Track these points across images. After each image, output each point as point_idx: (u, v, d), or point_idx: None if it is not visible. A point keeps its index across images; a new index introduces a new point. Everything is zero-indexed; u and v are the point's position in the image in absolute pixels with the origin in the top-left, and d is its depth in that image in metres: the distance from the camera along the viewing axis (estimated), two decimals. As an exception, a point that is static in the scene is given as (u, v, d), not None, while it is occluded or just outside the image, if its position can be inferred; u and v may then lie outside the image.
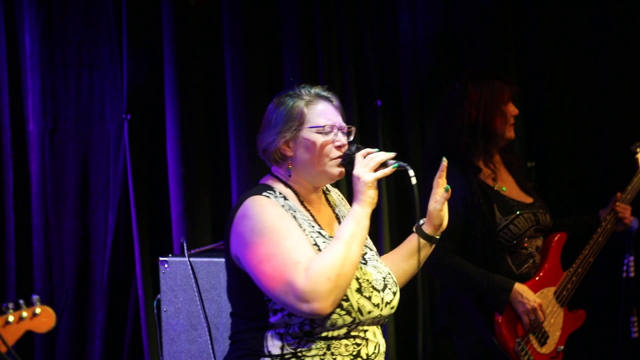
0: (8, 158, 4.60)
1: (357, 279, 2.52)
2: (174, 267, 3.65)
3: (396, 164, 2.55)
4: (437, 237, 2.72)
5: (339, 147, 2.61)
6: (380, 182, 4.13)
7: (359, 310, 2.50)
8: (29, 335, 2.41)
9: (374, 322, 2.57)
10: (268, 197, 2.56)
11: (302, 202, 2.65)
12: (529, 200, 3.53)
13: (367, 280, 2.55)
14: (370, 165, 2.55)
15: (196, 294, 3.60)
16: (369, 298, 2.53)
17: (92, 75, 4.62)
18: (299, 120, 2.61)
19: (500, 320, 3.35)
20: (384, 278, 2.61)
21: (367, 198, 2.53)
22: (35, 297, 2.35)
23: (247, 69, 4.44)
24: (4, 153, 4.61)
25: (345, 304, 2.48)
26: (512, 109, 3.48)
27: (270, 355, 2.52)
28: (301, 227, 2.54)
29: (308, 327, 2.48)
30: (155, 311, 3.73)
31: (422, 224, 2.74)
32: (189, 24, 4.48)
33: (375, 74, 4.30)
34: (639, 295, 3.67)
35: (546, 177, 4.13)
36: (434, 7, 4.25)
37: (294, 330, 2.49)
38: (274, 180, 2.67)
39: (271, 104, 2.70)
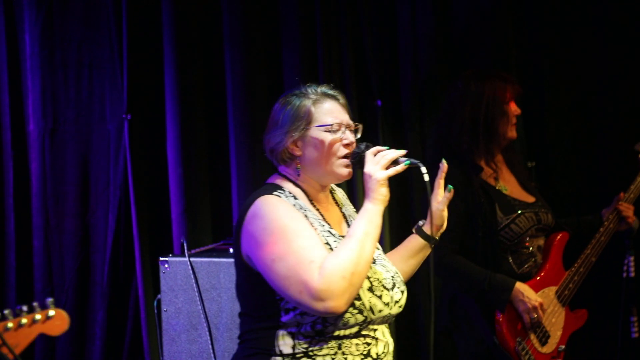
0: (8, 158, 4.61)
1: (368, 277, 2.52)
2: (174, 267, 3.66)
3: (408, 162, 2.56)
4: (437, 237, 2.72)
5: (347, 145, 2.62)
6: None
7: (371, 309, 2.51)
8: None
9: (384, 321, 2.58)
10: (279, 196, 2.56)
11: (311, 201, 2.65)
12: (530, 199, 3.53)
13: (377, 279, 2.55)
14: (382, 163, 2.55)
15: (196, 294, 3.60)
16: (380, 297, 2.54)
17: (92, 76, 4.62)
18: (307, 119, 2.61)
19: (501, 319, 3.35)
20: (392, 277, 2.62)
21: (380, 196, 2.54)
22: (50, 300, 2.35)
23: (247, 69, 4.44)
24: (4, 153, 4.61)
25: (357, 303, 2.48)
26: (515, 109, 3.48)
27: (281, 354, 2.51)
28: (312, 226, 2.54)
29: (320, 326, 2.48)
30: (156, 311, 3.73)
31: (422, 225, 2.74)
32: (189, 24, 4.48)
33: (375, 74, 4.30)
34: (639, 295, 3.66)
35: (546, 177, 4.12)
36: (434, 7, 4.24)
37: (306, 330, 2.49)
38: (282, 179, 2.67)
39: (277, 103, 2.70)
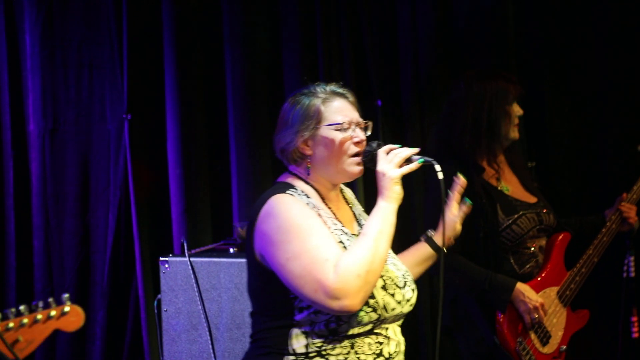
0: (8, 158, 4.61)
1: (382, 276, 2.53)
2: (174, 267, 3.66)
3: (422, 159, 2.57)
4: (446, 249, 2.74)
5: (357, 143, 2.62)
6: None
7: (384, 307, 2.52)
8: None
9: (396, 319, 2.59)
10: (292, 195, 2.57)
11: (323, 200, 2.65)
12: (532, 200, 3.52)
13: (390, 277, 2.56)
14: (395, 161, 2.56)
15: (196, 294, 3.60)
16: (393, 295, 2.55)
17: (93, 76, 4.62)
18: (317, 118, 2.61)
19: (502, 319, 3.35)
20: (403, 275, 2.63)
21: (394, 194, 2.54)
22: (65, 296, 2.35)
23: (247, 69, 4.44)
24: (4, 153, 4.61)
25: (371, 301, 2.49)
26: (517, 109, 3.47)
27: (294, 353, 2.51)
28: (326, 224, 2.55)
29: (334, 324, 2.49)
30: (156, 311, 3.73)
31: (432, 235, 2.75)
32: (189, 24, 4.48)
33: (375, 74, 4.30)
34: (639, 295, 3.66)
35: (546, 177, 4.12)
36: (434, 7, 4.24)
37: (320, 328, 2.49)
38: (293, 178, 2.67)
39: (286, 103, 2.70)
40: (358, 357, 2.51)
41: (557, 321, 3.47)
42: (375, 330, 2.53)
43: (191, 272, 3.61)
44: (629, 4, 4.07)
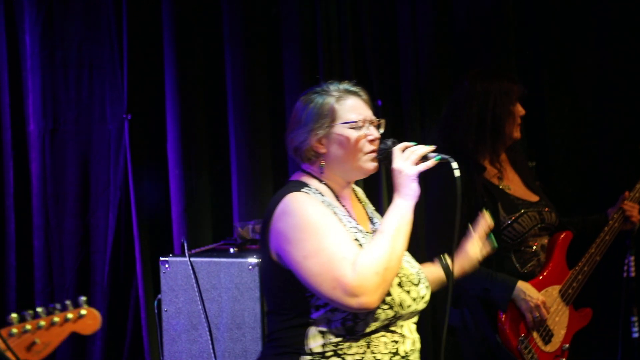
0: (9, 158, 4.61)
1: (397, 273, 2.53)
2: (174, 267, 3.66)
3: (439, 157, 2.58)
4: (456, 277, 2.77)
5: (371, 141, 2.62)
6: (380, 182, 4.15)
7: (400, 305, 2.52)
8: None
9: (410, 316, 2.59)
10: (307, 193, 2.56)
11: (337, 198, 2.65)
12: (534, 198, 3.52)
13: (405, 274, 2.57)
14: (412, 158, 2.57)
15: (197, 294, 3.60)
16: (409, 292, 2.55)
17: (93, 76, 4.62)
18: (331, 117, 2.61)
19: (503, 318, 3.35)
20: (417, 273, 2.63)
21: (411, 191, 2.55)
22: (82, 299, 2.35)
23: (247, 69, 4.44)
24: (4, 153, 4.62)
25: (387, 299, 2.49)
26: (520, 109, 3.47)
27: (311, 353, 2.51)
28: (341, 222, 2.55)
29: (351, 322, 2.49)
30: (156, 311, 3.73)
31: (447, 264, 2.76)
32: (189, 24, 4.48)
33: (375, 74, 4.30)
34: (640, 295, 3.67)
35: (546, 177, 4.12)
36: (434, 7, 4.24)
37: (336, 327, 2.49)
38: (307, 176, 2.66)
39: (299, 102, 2.69)
40: (374, 357, 2.51)
41: (559, 320, 3.47)
42: (391, 328, 2.54)
43: (191, 272, 3.61)
44: (629, 4, 4.07)
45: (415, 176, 2.55)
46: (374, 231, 2.68)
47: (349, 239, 2.50)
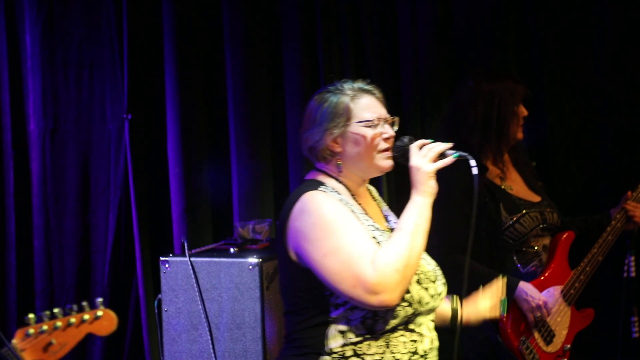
0: (9, 158, 4.61)
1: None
2: (174, 267, 3.66)
3: (457, 154, 2.59)
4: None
5: (386, 139, 2.63)
6: (380, 181, 4.15)
7: (419, 302, 2.53)
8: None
9: (428, 313, 2.60)
10: (324, 192, 2.57)
11: (353, 196, 2.66)
12: (536, 199, 3.52)
13: (423, 271, 2.58)
14: (430, 156, 2.58)
15: (197, 294, 3.60)
16: (427, 289, 2.56)
17: (93, 75, 4.62)
18: (346, 115, 2.62)
19: (505, 318, 3.35)
20: (434, 269, 2.65)
21: (429, 188, 2.56)
22: (99, 300, 2.36)
23: (247, 68, 4.44)
24: (4, 153, 4.62)
25: (406, 296, 2.50)
26: (523, 110, 3.48)
27: (331, 353, 2.52)
28: (358, 220, 2.55)
29: (370, 320, 2.50)
30: (156, 311, 3.73)
31: (457, 310, 2.77)
32: (190, 23, 4.48)
33: (375, 74, 4.30)
34: (640, 295, 3.67)
35: (546, 177, 4.12)
36: (434, 6, 4.24)
37: (356, 325, 2.50)
38: (323, 175, 2.67)
39: (312, 101, 2.70)
40: (394, 356, 2.52)
41: (561, 320, 3.47)
42: (410, 327, 2.55)
43: (192, 271, 3.61)
44: (629, 4, 4.07)
45: (433, 173, 2.57)
46: (390, 229, 2.69)
47: (368, 236, 2.51)
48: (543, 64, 4.21)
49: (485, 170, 3.44)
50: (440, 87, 4.23)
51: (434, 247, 3.28)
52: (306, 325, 2.56)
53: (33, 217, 4.63)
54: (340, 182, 2.65)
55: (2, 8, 4.57)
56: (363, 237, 2.49)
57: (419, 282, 2.55)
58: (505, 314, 2.89)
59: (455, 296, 2.78)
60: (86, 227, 4.64)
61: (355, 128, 2.61)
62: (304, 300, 2.56)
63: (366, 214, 2.64)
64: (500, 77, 3.46)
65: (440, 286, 2.63)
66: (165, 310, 3.67)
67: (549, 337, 3.43)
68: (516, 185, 3.52)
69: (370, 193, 2.81)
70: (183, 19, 4.46)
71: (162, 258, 3.70)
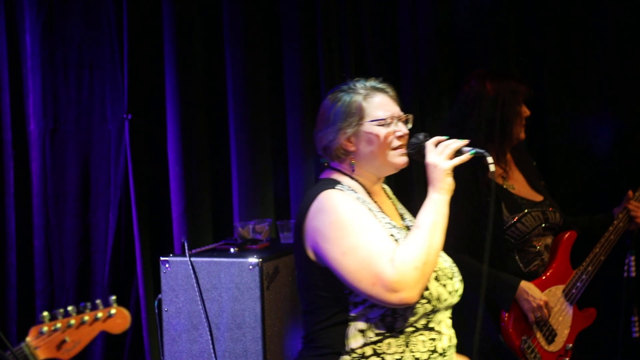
0: (9, 158, 4.61)
1: None
2: (175, 267, 3.66)
3: (473, 151, 2.61)
4: None
5: (400, 137, 2.64)
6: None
7: (438, 298, 2.54)
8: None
9: (446, 310, 2.61)
10: (341, 190, 2.57)
11: (369, 194, 2.66)
12: (538, 198, 3.52)
13: (440, 268, 2.58)
14: (446, 153, 2.59)
15: (197, 294, 3.60)
16: (445, 286, 2.57)
17: (93, 75, 4.62)
18: (359, 115, 2.62)
19: (506, 318, 3.35)
20: (450, 266, 2.65)
21: (446, 185, 2.57)
22: (112, 298, 2.37)
23: (247, 68, 4.44)
24: (5, 153, 4.62)
25: (425, 293, 2.51)
26: (525, 110, 3.48)
27: (351, 352, 2.52)
28: (375, 218, 2.56)
29: (390, 318, 2.50)
30: (156, 311, 3.73)
31: None
32: (190, 23, 4.48)
33: (375, 74, 4.29)
34: (640, 295, 3.67)
35: (547, 177, 4.12)
36: (435, 6, 4.24)
37: (375, 323, 2.50)
38: (338, 174, 2.67)
39: (326, 100, 2.71)
40: (413, 355, 2.53)
41: (563, 319, 3.47)
42: (430, 325, 2.55)
43: (192, 271, 3.61)
44: (629, 4, 4.07)
45: (450, 170, 2.57)
46: (406, 227, 2.70)
47: (386, 234, 2.52)
48: (543, 64, 4.21)
49: (487, 170, 3.43)
50: (440, 87, 4.23)
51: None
52: (325, 324, 2.56)
53: (33, 217, 4.63)
54: (356, 181, 2.66)
55: (2, 8, 4.57)
56: (381, 235, 2.50)
57: (437, 279, 2.55)
58: None
59: None
60: (86, 227, 4.64)
61: (368, 127, 2.62)
62: (322, 299, 2.56)
63: (382, 211, 2.65)
64: (503, 78, 3.46)
65: (457, 283, 2.64)
66: (166, 310, 3.67)
67: (550, 336, 3.43)
68: (518, 185, 3.52)
69: (385, 191, 2.81)
70: (183, 19, 4.46)
71: (162, 258, 3.70)
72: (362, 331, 2.52)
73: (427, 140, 2.64)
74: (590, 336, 3.66)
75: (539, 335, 3.40)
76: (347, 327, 2.53)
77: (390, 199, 2.81)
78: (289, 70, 4.42)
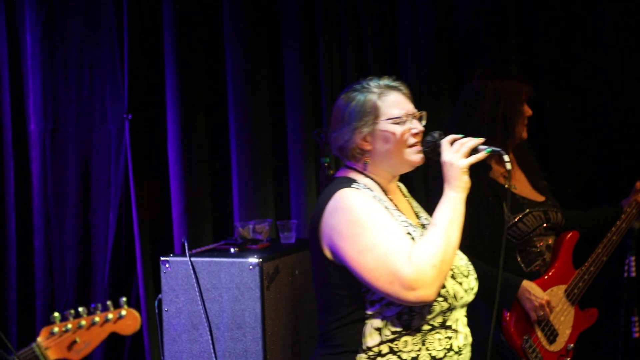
0: (9, 158, 4.61)
1: None
2: (175, 267, 3.66)
3: (489, 149, 2.62)
4: None
5: (415, 134, 2.64)
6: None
7: (454, 296, 2.55)
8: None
9: (462, 307, 2.62)
10: (357, 189, 2.58)
11: (385, 193, 2.67)
12: (540, 198, 3.52)
13: (456, 266, 2.59)
14: (462, 151, 2.60)
15: (197, 294, 3.60)
16: (461, 284, 2.58)
17: (93, 75, 4.62)
18: (374, 114, 2.63)
19: (508, 317, 3.35)
20: (466, 264, 2.66)
21: (462, 183, 2.58)
22: (123, 300, 2.38)
23: (247, 68, 4.44)
24: (5, 153, 4.62)
25: (442, 291, 2.52)
26: (527, 110, 3.48)
27: (367, 350, 2.53)
28: (392, 216, 2.57)
29: (406, 316, 2.51)
30: (157, 311, 3.73)
31: None
32: (190, 23, 4.48)
33: (375, 74, 4.29)
34: (640, 295, 3.67)
35: (547, 177, 4.12)
36: (435, 6, 4.24)
37: (392, 321, 2.51)
38: (354, 172, 2.68)
39: (339, 100, 2.70)
40: (429, 354, 2.54)
41: (564, 319, 3.47)
42: (447, 323, 2.56)
43: (192, 271, 3.61)
44: (629, 4, 4.07)
45: (466, 168, 2.58)
46: (421, 225, 2.70)
47: (402, 232, 2.52)
48: (543, 64, 4.21)
49: (489, 169, 3.44)
50: (440, 87, 4.23)
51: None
52: (342, 323, 2.56)
53: (33, 217, 4.63)
54: (372, 179, 2.66)
55: (2, 8, 4.57)
56: (398, 234, 2.50)
57: (453, 276, 2.56)
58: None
59: None
60: (86, 227, 4.64)
61: (384, 126, 2.62)
62: (339, 297, 2.56)
63: (398, 209, 2.65)
64: (506, 77, 3.47)
65: (473, 281, 2.65)
66: (166, 310, 3.67)
67: (552, 336, 3.43)
68: (520, 185, 3.52)
69: (400, 189, 2.82)
70: (183, 19, 4.46)
71: (162, 258, 3.70)
72: (378, 329, 2.52)
73: (442, 138, 2.64)
74: (590, 336, 3.66)
75: (540, 334, 3.40)
76: (363, 326, 2.54)
77: (405, 196, 2.81)
78: (289, 70, 4.42)
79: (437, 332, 2.55)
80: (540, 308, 3.35)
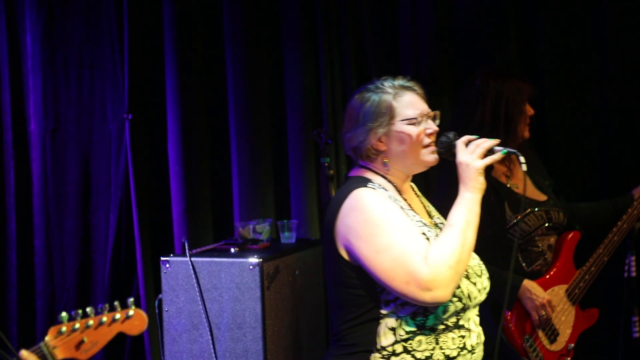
0: (9, 158, 4.61)
1: None
2: (175, 267, 3.66)
3: (505, 150, 2.61)
4: None
5: (430, 134, 2.65)
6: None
7: (469, 296, 2.56)
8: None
9: (475, 307, 2.63)
10: (373, 188, 2.58)
11: (399, 193, 2.67)
12: (542, 198, 3.52)
13: (470, 266, 2.60)
14: (478, 152, 2.59)
15: (197, 294, 3.60)
16: (475, 284, 2.59)
17: (93, 75, 4.62)
18: (389, 114, 2.63)
19: (509, 317, 3.35)
20: (479, 264, 2.67)
21: (478, 184, 2.57)
22: (130, 300, 2.39)
23: (247, 68, 4.44)
24: (5, 153, 4.62)
25: (457, 291, 2.52)
26: (529, 109, 3.49)
27: (381, 350, 2.53)
28: (407, 216, 2.57)
29: (421, 315, 2.52)
30: (157, 311, 3.73)
31: None
32: (190, 23, 4.48)
33: (375, 74, 4.29)
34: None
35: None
36: (435, 6, 4.24)
37: (406, 321, 2.52)
38: (368, 172, 2.68)
39: (353, 100, 2.70)
40: (443, 352, 2.54)
41: (565, 319, 3.48)
42: (460, 323, 2.57)
43: (192, 271, 3.61)
44: (629, 4, 4.07)
45: (482, 169, 2.58)
46: (435, 225, 2.70)
47: (418, 233, 2.53)
48: (543, 64, 4.21)
49: (491, 168, 3.43)
50: (441, 87, 4.23)
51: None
52: (356, 322, 2.57)
53: (33, 217, 4.63)
54: (386, 179, 2.66)
55: (2, 8, 4.57)
56: (414, 234, 2.51)
57: (467, 276, 2.57)
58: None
59: None
60: (87, 227, 4.64)
61: (399, 126, 2.62)
62: (354, 297, 2.57)
63: (413, 209, 2.66)
64: (508, 77, 3.47)
65: (486, 280, 2.65)
66: (166, 310, 3.67)
67: (553, 335, 3.43)
68: (522, 184, 3.52)
69: (413, 189, 2.82)
70: (183, 19, 4.46)
71: (162, 258, 3.70)
72: (392, 329, 2.53)
73: (457, 139, 2.65)
74: (590, 336, 3.66)
75: (541, 334, 3.40)
76: (378, 325, 2.54)
77: (418, 196, 2.81)
78: (289, 70, 4.42)
79: (451, 332, 2.56)
80: (542, 308, 3.35)
